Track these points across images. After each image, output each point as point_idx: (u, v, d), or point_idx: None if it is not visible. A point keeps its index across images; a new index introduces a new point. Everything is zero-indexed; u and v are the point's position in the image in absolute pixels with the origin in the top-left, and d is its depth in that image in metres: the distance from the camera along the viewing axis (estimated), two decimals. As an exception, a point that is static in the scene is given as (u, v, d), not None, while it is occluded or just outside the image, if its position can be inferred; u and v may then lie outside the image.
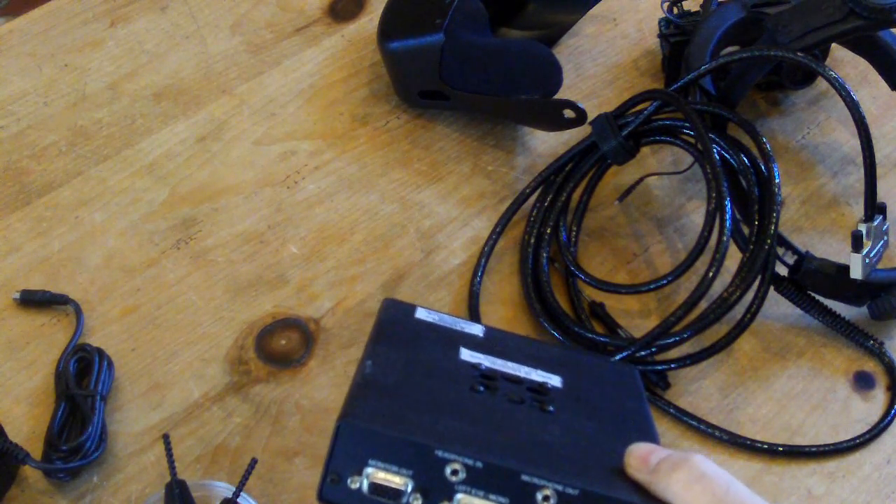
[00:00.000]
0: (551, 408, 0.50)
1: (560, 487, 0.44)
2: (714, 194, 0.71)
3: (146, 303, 0.74)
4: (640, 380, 0.59)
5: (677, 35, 0.83)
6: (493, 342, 0.56)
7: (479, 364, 0.52)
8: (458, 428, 0.46)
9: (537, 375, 0.52)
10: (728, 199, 0.70)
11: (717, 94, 0.78)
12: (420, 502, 0.44)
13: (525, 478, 0.44)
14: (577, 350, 0.66)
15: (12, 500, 0.65)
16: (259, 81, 0.85)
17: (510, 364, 0.53)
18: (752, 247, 0.70)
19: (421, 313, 0.58)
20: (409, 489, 0.44)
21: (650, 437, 0.51)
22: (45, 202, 0.78)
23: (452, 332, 0.56)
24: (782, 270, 0.73)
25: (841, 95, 0.70)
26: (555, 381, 0.53)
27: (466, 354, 0.53)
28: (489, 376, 0.52)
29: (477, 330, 0.57)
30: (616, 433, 0.50)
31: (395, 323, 0.56)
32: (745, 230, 0.72)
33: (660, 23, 0.85)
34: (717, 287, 0.69)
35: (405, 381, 0.50)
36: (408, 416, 0.47)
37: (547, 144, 0.83)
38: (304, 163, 0.81)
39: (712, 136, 0.73)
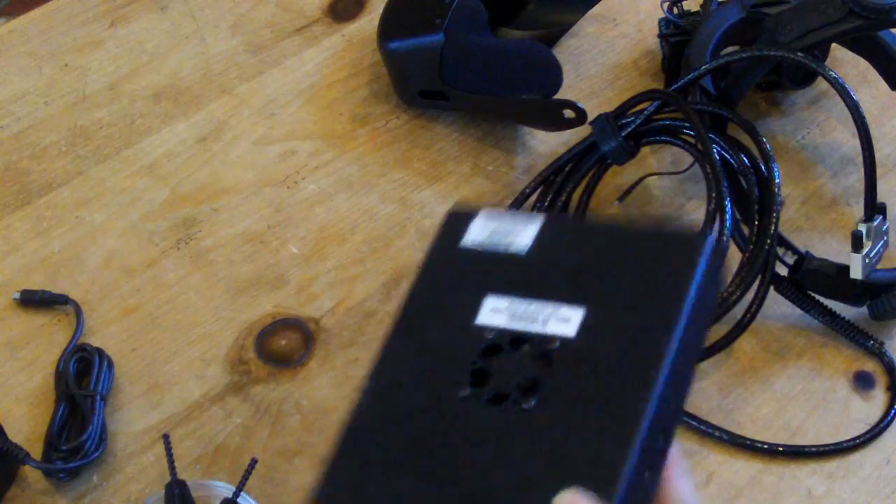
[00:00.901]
0: (532, 403, 0.49)
1: None
2: (714, 194, 0.71)
3: (146, 303, 0.74)
4: (699, 270, 0.50)
5: (677, 35, 0.83)
6: (534, 263, 0.54)
7: (491, 328, 0.51)
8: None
9: (554, 322, 0.51)
10: (728, 199, 0.70)
11: (717, 94, 0.78)
12: None
13: None
14: (632, 234, 0.56)
15: (12, 500, 0.65)
16: (259, 81, 0.85)
17: (533, 305, 0.52)
18: (752, 247, 0.70)
19: (473, 233, 0.55)
20: None
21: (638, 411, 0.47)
22: (45, 202, 0.78)
23: (493, 260, 0.54)
24: (782, 270, 0.73)
25: (841, 95, 0.70)
26: (572, 325, 0.51)
27: (487, 308, 0.52)
28: (491, 349, 0.51)
29: (525, 240, 0.54)
30: (603, 419, 0.48)
31: (436, 268, 0.55)
32: (745, 230, 0.72)
33: (660, 23, 0.85)
34: (717, 287, 0.69)
35: (398, 408, 0.50)
36: (382, 488, 0.48)
37: (547, 144, 0.83)
38: (304, 163, 0.81)
39: (712, 136, 0.73)
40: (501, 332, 0.51)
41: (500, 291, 0.52)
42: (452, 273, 0.54)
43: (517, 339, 0.50)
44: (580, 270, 0.52)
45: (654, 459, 0.46)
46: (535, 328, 0.50)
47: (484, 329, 0.51)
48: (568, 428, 0.47)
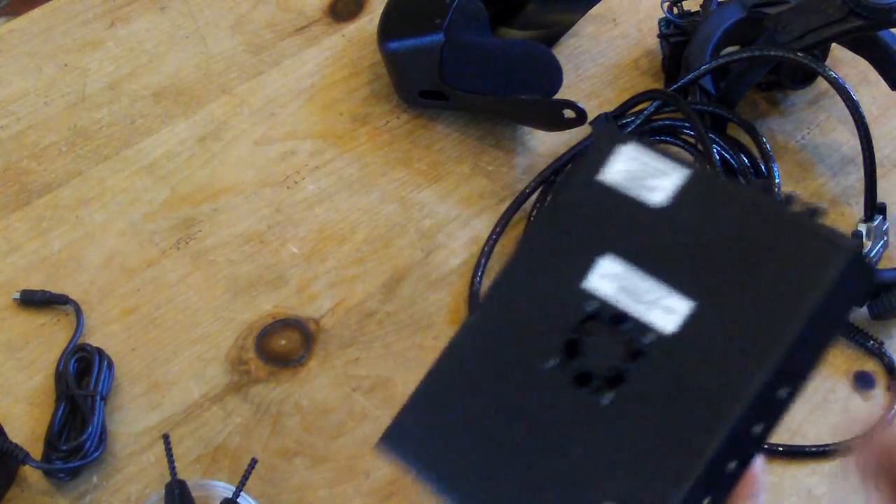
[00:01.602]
0: (609, 400, 0.48)
1: None
2: (714, 194, 0.71)
3: (146, 303, 0.74)
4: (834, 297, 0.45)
5: (677, 35, 0.83)
6: (663, 225, 0.51)
7: (596, 297, 0.50)
8: (482, 471, 0.48)
9: (658, 311, 0.48)
10: (728, 199, 0.70)
11: (717, 94, 0.78)
12: None
13: None
14: (775, 219, 0.50)
15: (12, 500, 0.65)
16: (259, 81, 0.85)
17: (644, 282, 0.51)
18: (752, 247, 0.70)
19: (617, 164, 0.53)
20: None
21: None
22: (45, 202, 0.78)
23: (625, 209, 0.52)
24: (782, 270, 0.73)
25: (841, 95, 0.70)
26: (673, 319, 0.48)
27: (600, 271, 0.50)
28: (590, 320, 0.49)
29: (665, 192, 0.51)
30: (671, 438, 0.47)
31: (571, 199, 0.53)
32: (745, 230, 0.72)
33: (660, 23, 0.85)
34: (717, 287, 0.69)
35: (486, 361, 0.51)
36: (446, 442, 0.49)
37: (547, 144, 0.83)
38: (304, 163, 0.81)
39: (712, 136, 0.73)
40: (604, 305, 0.49)
41: (618, 253, 0.50)
42: (582, 212, 0.53)
43: (617, 317, 0.49)
44: (705, 250, 0.49)
45: (719, 487, 0.45)
46: (638, 311, 0.48)
47: (590, 295, 0.50)
48: (634, 440, 0.46)
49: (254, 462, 0.64)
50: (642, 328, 0.48)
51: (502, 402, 0.49)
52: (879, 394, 0.72)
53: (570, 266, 0.52)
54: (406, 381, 0.71)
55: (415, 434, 0.50)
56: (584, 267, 0.51)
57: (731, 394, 0.44)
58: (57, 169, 0.80)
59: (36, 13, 0.89)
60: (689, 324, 0.47)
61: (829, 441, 0.70)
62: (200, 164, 0.81)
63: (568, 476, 0.47)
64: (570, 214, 0.53)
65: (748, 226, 0.49)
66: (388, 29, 0.82)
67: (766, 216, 0.49)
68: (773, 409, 0.46)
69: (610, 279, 0.50)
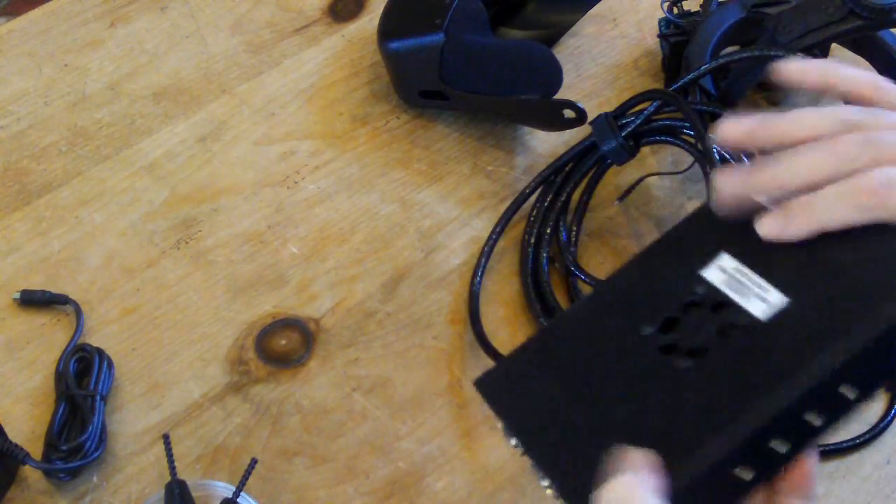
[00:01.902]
0: (686, 364, 0.51)
1: None
2: (714, 194, 0.71)
3: (146, 303, 0.74)
4: None
5: (677, 35, 0.83)
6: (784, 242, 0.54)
7: (707, 283, 0.54)
8: (562, 429, 0.51)
9: (755, 300, 0.52)
10: (728, 199, 0.70)
11: (717, 94, 0.78)
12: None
13: None
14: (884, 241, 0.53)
15: (12, 500, 0.65)
16: (259, 81, 0.85)
17: (751, 278, 0.53)
18: (752, 247, 0.70)
19: None
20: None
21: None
22: (45, 202, 0.78)
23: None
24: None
25: (841, 95, 0.70)
26: (767, 309, 0.51)
27: (717, 263, 0.55)
28: (694, 304, 0.53)
29: None
30: (727, 405, 0.49)
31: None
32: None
33: (660, 23, 0.85)
34: (717, 287, 0.69)
35: (592, 324, 0.55)
36: (530, 398, 0.52)
37: (547, 144, 0.83)
38: (304, 163, 0.81)
39: (712, 135, 0.73)
40: (711, 292, 0.53)
41: (738, 253, 0.55)
42: (721, 219, 0.57)
43: (719, 304, 0.52)
44: (814, 263, 0.52)
45: (763, 462, 0.47)
46: (738, 299, 0.52)
47: (701, 282, 0.54)
48: (692, 399, 0.49)
49: (254, 462, 0.64)
50: (737, 313, 0.51)
51: (595, 361, 0.53)
52: (879, 394, 0.72)
53: (695, 256, 0.56)
54: (406, 381, 0.71)
55: (506, 378, 0.54)
56: (707, 259, 0.55)
57: (793, 375, 0.47)
58: (57, 169, 0.80)
59: (36, 13, 0.89)
60: (779, 315, 0.50)
61: (828, 441, 0.70)
62: (200, 165, 0.81)
63: (623, 421, 0.50)
64: (711, 219, 0.57)
65: (865, 252, 0.52)
66: (388, 29, 0.82)
67: (884, 248, 0.51)
68: (836, 405, 0.49)
69: (723, 271, 0.54)
